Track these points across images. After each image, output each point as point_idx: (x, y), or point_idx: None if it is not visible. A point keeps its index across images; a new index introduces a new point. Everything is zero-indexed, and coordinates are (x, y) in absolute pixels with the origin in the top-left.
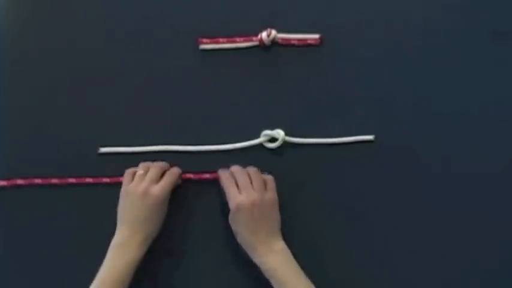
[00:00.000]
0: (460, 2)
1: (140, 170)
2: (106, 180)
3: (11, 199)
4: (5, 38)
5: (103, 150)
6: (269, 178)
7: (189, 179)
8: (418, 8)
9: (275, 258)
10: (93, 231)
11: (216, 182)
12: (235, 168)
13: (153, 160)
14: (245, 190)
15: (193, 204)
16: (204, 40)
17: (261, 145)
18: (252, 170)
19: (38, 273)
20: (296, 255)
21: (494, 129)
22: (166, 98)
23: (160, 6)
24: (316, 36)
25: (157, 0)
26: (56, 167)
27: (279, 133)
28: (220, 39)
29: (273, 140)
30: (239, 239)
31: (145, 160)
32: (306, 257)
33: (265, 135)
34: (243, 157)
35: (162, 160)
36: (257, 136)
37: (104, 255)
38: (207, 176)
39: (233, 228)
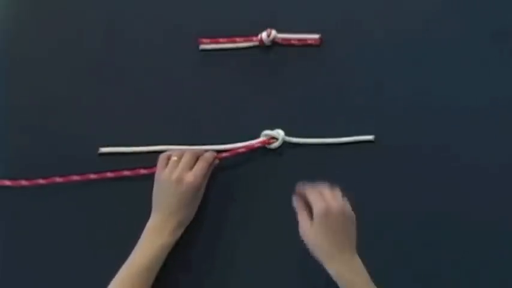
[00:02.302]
0: (461, 1)
1: (174, 156)
2: (110, 175)
3: (14, 199)
4: (5, 38)
5: (103, 150)
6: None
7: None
8: (419, 8)
9: (354, 270)
10: (99, 229)
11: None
12: (319, 184)
13: (154, 160)
14: (332, 198)
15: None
16: (204, 40)
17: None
18: (334, 188)
19: (44, 273)
20: (297, 255)
21: (495, 129)
22: (166, 98)
23: (161, 6)
24: (316, 36)
25: (157, 0)
26: (57, 167)
27: (279, 133)
28: (220, 39)
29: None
30: (317, 250)
31: (145, 160)
32: (306, 257)
33: (265, 135)
34: (243, 157)
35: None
36: (257, 136)
37: (112, 252)
38: (242, 149)
39: (312, 237)
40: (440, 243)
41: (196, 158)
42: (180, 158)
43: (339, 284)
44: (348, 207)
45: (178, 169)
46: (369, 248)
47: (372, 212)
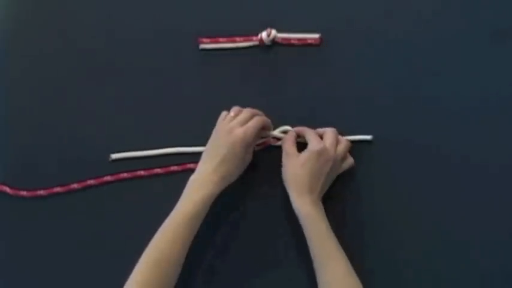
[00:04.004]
0: (461, 1)
1: (232, 112)
2: (109, 178)
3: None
4: (5, 38)
5: (114, 156)
6: (350, 159)
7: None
8: (418, 8)
9: (318, 211)
10: (101, 233)
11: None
12: (328, 128)
13: (156, 161)
14: (332, 146)
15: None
16: (204, 40)
17: (266, 145)
18: (342, 138)
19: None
20: (298, 254)
21: (495, 129)
22: (166, 97)
23: (161, 6)
24: (316, 36)
25: (157, 0)
26: (57, 168)
27: (287, 130)
28: (220, 39)
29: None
30: (291, 178)
31: (145, 162)
32: (306, 256)
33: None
34: None
35: (164, 162)
36: None
37: (126, 253)
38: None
39: (294, 167)
40: (438, 242)
41: (252, 117)
42: (237, 114)
43: (298, 217)
44: (346, 161)
45: (232, 122)
46: (367, 246)
47: (369, 211)
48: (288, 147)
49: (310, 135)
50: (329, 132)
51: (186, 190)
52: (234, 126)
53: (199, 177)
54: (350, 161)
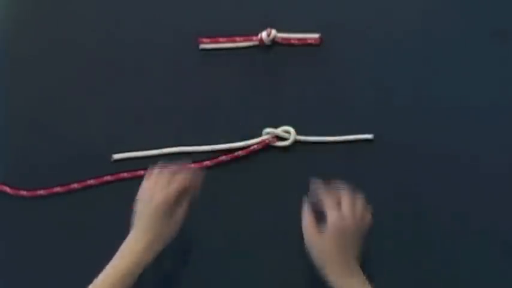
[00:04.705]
0: (461, 1)
1: (154, 176)
2: (109, 178)
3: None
4: (5, 38)
5: (116, 157)
6: (368, 215)
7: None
8: (418, 8)
9: (353, 281)
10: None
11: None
12: (343, 190)
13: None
14: (350, 210)
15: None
16: (204, 40)
17: (266, 144)
18: (357, 196)
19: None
20: (297, 255)
21: (495, 129)
22: (166, 97)
23: (161, 6)
24: (316, 36)
25: (157, 1)
26: (57, 167)
27: (290, 131)
28: (220, 39)
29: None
30: (320, 257)
31: (147, 160)
32: (306, 255)
33: (267, 133)
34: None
35: (164, 162)
36: (259, 135)
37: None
38: (257, 147)
39: (319, 247)
40: (438, 242)
41: (174, 177)
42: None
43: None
44: (365, 219)
45: (152, 188)
46: (367, 246)
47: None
48: (309, 227)
49: (327, 201)
50: (346, 198)
51: (116, 255)
52: (155, 192)
53: (124, 247)
54: (368, 217)
